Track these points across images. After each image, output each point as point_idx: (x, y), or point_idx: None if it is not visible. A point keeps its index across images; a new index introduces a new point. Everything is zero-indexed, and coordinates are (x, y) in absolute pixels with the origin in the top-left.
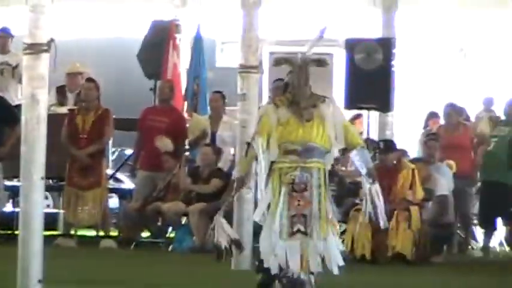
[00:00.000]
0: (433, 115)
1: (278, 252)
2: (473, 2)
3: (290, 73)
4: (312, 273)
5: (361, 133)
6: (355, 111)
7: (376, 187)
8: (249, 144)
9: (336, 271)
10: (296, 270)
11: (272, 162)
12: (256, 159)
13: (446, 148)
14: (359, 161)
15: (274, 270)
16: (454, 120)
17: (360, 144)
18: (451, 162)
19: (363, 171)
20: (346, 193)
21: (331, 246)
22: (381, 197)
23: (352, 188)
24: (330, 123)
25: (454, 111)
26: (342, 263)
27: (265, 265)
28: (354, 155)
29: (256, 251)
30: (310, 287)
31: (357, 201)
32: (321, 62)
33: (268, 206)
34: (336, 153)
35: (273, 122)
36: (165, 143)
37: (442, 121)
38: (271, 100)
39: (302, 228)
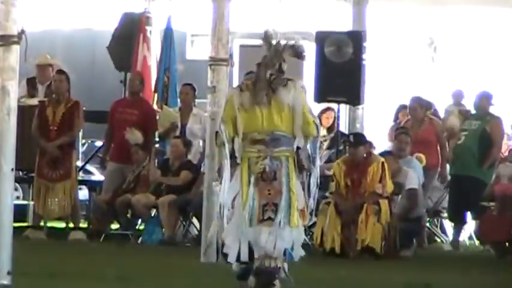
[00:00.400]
0: (403, 108)
1: (248, 238)
2: (441, 0)
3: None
4: (285, 261)
5: (329, 127)
6: (325, 105)
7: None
8: (217, 133)
9: (301, 254)
10: (266, 255)
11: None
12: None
13: (413, 142)
14: (310, 149)
15: (244, 258)
16: (419, 114)
17: (313, 135)
18: (421, 156)
19: (309, 160)
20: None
21: (299, 236)
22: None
23: (322, 181)
24: (288, 108)
25: (420, 105)
26: (303, 253)
27: (231, 256)
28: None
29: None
30: (285, 275)
31: (327, 194)
32: (299, 52)
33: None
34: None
35: (235, 106)
36: (135, 136)
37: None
38: (238, 84)
39: (273, 216)
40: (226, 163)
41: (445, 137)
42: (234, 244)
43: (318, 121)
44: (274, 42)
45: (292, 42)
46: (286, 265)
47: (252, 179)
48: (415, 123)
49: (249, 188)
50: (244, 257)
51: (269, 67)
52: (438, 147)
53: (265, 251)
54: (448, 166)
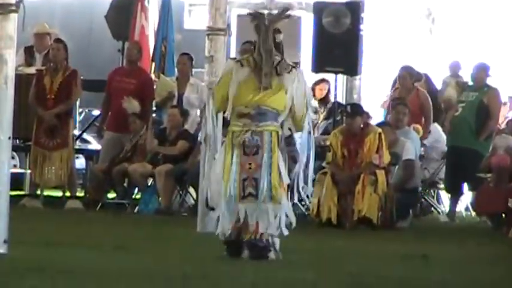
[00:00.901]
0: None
1: (231, 213)
2: None
3: (256, 33)
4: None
5: (323, 98)
6: (321, 75)
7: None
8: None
9: (285, 233)
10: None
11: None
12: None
13: None
14: (300, 145)
15: (233, 235)
16: (408, 83)
17: (304, 129)
18: (418, 127)
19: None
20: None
21: (284, 209)
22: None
23: (319, 152)
24: (285, 93)
25: (409, 74)
26: (293, 224)
27: (219, 229)
28: (297, 137)
29: None
30: (275, 251)
31: (324, 164)
32: (285, 12)
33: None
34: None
35: (229, 82)
36: (132, 104)
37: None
38: (238, 58)
39: (253, 192)
40: (210, 137)
41: (443, 108)
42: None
43: (311, 117)
44: (261, 19)
45: (275, 11)
46: (277, 240)
47: (235, 153)
48: (402, 92)
49: (232, 160)
50: (225, 230)
51: (266, 45)
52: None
53: (246, 224)
54: (445, 137)
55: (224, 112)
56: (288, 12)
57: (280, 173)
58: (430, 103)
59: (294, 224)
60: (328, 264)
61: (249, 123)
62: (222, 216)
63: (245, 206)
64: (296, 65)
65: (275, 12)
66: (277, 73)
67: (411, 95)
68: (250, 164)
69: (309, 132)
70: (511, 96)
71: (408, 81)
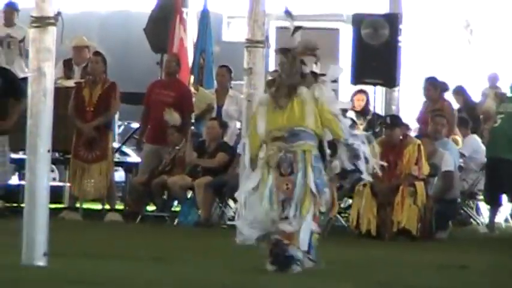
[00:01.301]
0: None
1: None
2: None
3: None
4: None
5: (362, 109)
6: (359, 87)
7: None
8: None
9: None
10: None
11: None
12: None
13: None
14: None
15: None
16: (432, 95)
17: (341, 138)
18: (457, 138)
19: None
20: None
21: (305, 228)
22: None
23: None
24: (313, 103)
25: (433, 86)
26: (305, 248)
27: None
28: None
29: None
30: (301, 263)
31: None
32: (312, 49)
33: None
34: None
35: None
36: (173, 117)
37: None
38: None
39: (292, 213)
40: (247, 171)
41: (482, 119)
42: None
43: (347, 123)
44: (289, 50)
45: (304, 42)
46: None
47: (271, 175)
48: (428, 104)
49: (267, 182)
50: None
51: (290, 75)
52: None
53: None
54: (484, 148)
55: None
56: (313, 49)
57: (312, 192)
58: (455, 114)
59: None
60: (361, 274)
61: (283, 145)
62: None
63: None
64: (317, 78)
65: (301, 46)
66: (295, 92)
67: (436, 107)
68: (287, 184)
69: (353, 135)
70: None
71: (432, 93)
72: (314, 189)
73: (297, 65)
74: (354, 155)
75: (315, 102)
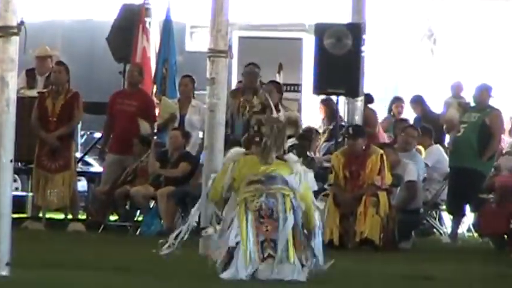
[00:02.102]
0: (396, 100)
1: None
2: None
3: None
4: None
5: (323, 118)
6: (323, 96)
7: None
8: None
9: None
10: None
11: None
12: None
13: None
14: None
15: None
16: None
17: (312, 228)
18: (420, 148)
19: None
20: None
21: (296, 269)
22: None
23: (321, 173)
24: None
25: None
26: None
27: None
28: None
29: None
30: None
31: (326, 186)
32: (295, 123)
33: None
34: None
35: (230, 174)
36: (144, 126)
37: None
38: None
39: (272, 253)
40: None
41: (445, 129)
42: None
43: (319, 209)
44: (274, 126)
45: (286, 117)
46: None
47: (250, 217)
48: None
49: (247, 226)
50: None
51: (276, 145)
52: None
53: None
54: (447, 158)
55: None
56: (296, 123)
57: (296, 233)
58: None
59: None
60: (325, 284)
61: (260, 187)
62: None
63: (265, 267)
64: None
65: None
66: (282, 159)
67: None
68: (266, 226)
69: (320, 228)
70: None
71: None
72: (298, 230)
73: (281, 138)
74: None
75: (299, 177)
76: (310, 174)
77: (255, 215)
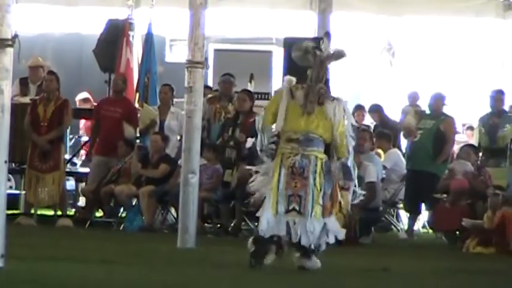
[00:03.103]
0: (358, 108)
1: (275, 226)
2: (398, 11)
3: (310, 68)
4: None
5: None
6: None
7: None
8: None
9: (323, 247)
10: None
11: (276, 147)
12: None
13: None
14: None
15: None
16: None
17: (343, 156)
18: (380, 151)
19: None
20: None
21: (331, 224)
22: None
23: None
24: (329, 121)
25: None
26: (341, 237)
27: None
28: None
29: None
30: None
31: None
32: (339, 55)
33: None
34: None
35: (280, 102)
36: (129, 131)
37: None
38: (287, 84)
39: (297, 207)
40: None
41: (402, 135)
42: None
43: (352, 144)
44: (317, 53)
45: (331, 51)
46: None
47: (283, 172)
48: None
49: (279, 178)
50: (268, 233)
51: (317, 80)
52: None
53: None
54: (404, 161)
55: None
56: (341, 55)
57: (324, 193)
58: None
59: (341, 238)
60: (292, 278)
61: (297, 147)
62: (266, 223)
63: (289, 219)
64: (338, 97)
65: (329, 52)
66: (319, 102)
67: None
68: (296, 182)
69: (346, 159)
70: (464, 124)
71: None
72: (327, 192)
73: (323, 70)
74: (347, 174)
75: (333, 117)
76: (342, 105)
77: (288, 171)
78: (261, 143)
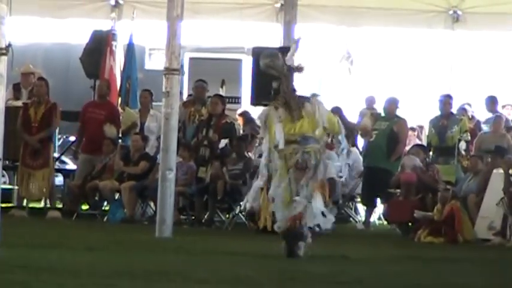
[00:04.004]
0: None
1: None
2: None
3: (277, 80)
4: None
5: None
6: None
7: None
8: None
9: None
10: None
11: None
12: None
13: None
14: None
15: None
16: None
17: (338, 132)
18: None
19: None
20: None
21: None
22: None
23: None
24: (315, 117)
25: None
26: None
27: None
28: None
29: None
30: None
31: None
32: (300, 69)
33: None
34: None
35: (275, 120)
36: (111, 130)
37: None
38: (271, 104)
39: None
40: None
41: (360, 135)
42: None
43: (340, 122)
44: (284, 70)
45: (293, 65)
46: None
47: (290, 170)
48: None
49: (287, 175)
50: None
51: (288, 90)
52: None
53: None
54: (361, 159)
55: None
56: (301, 68)
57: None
58: None
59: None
60: (265, 263)
61: (297, 147)
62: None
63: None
64: (312, 96)
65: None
66: (301, 105)
67: None
68: (302, 175)
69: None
70: (420, 125)
71: None
72: (322, 177)
73: (290, 79)
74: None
75: (317, 112)
76: (317, 99)
77: (293, 169)
78: (268, 158)
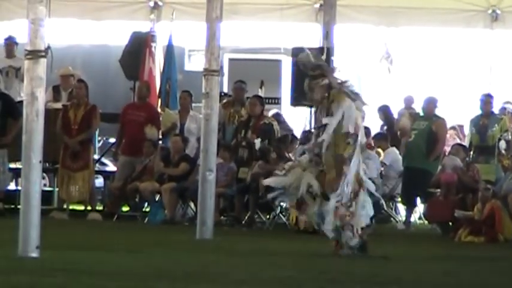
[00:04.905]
0: None
1: None
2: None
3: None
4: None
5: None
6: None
7: None
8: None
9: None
10: None
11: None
12: None
13: None
14: None
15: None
16: None
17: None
18: (379, 150)
19: None
20: None
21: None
22: None
23: None
24: None
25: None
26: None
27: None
28: None
29: None
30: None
31: None
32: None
33: None
34: None
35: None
36: (152, 132)
37: None
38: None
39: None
40: None
41: (399, 135)
42: None
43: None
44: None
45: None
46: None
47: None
48: None
49: None
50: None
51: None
52: None
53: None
54: (401, 159)
55: None
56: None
57: None
58: None
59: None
60: (305, 264)
61: None
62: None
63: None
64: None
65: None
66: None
67: None
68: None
69: None
70: (460, 124)
71: None
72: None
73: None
74: None
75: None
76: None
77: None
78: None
